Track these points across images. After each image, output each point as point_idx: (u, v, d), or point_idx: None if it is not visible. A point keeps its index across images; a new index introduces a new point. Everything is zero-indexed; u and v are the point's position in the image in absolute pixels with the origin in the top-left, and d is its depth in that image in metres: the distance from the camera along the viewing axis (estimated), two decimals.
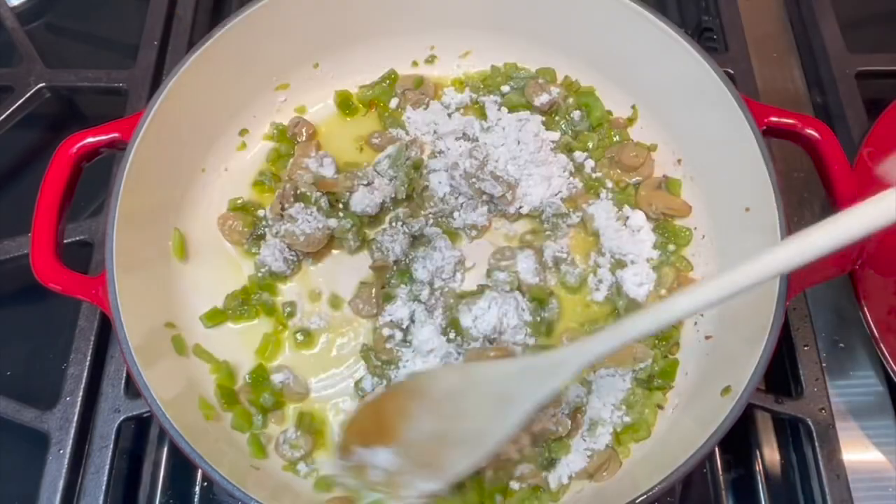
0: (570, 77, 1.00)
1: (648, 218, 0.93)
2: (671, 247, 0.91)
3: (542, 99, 0.97)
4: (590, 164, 0.96)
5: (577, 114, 0.98)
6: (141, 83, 1.04)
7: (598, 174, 0.96)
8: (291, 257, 0.90)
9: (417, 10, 0.99)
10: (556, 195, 0.93)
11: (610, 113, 0.99)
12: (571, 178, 0.95)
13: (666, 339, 0.86)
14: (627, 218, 0.92)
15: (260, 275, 0.90)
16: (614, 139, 0.97)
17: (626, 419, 0.82)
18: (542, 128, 0.96)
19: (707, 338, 0.86)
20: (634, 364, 0.84)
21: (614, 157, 0.96)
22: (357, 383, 0.85)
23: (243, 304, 0.89)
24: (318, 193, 0.90)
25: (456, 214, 0.92)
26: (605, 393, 0.83)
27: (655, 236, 0.92)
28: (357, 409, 0.78)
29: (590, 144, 0.97)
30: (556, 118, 0.99)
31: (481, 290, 0.87)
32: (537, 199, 0.92)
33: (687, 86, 0.89)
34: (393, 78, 1.01)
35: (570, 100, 0.99)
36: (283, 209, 0.90)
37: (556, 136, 0.97)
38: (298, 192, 0.91)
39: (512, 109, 0.99)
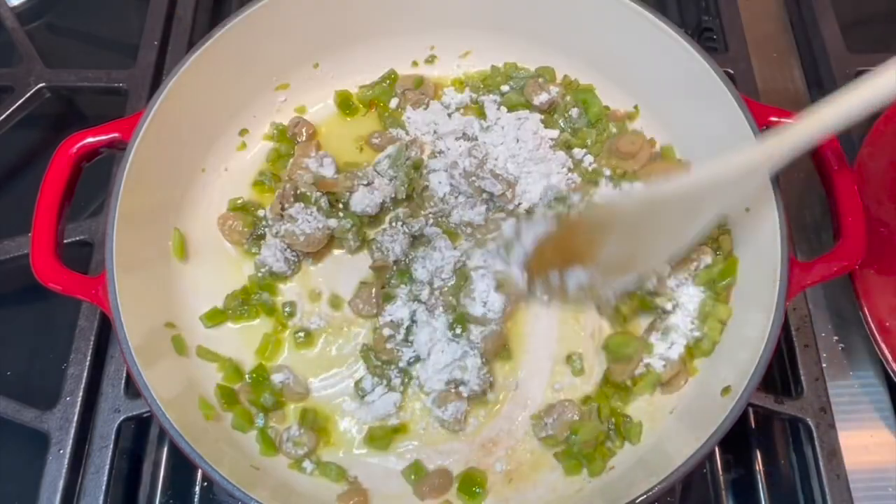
0: (570, 76, 1.00)
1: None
2: None
3: (541, 98, 0.97)
4: (588, 159, 0.96)
5: (575, 111, 0.98)
6: (141, 83, 1.04)
7: (596, 166, 0.95)
8: (292, 257, 0.90)
9: (417, 10, 0.99)
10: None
11: (607, 108, 0.99)
12: (570, 174, 0.95)
13: (720, 244, 0.87)
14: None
15: (260, 275, 0.90)
16: (612, 132, 0.97)
17: (696, 333, 0.84)
18: (541, 126, 0.97)
19: None
20: (690, 263, 0.86)
21: (611, 146, 0.95)
22: (357, 383, 0.85)
23: (243, 304, 0.89)
24: (318, 193, 0.90)
25: (454, 212, 0.92)
26: (683, 304, 0.86)
27: None
28: (538, 244, 0.83)
29: (588, 141, 0.97)
30: (555, 116, 0.99)
31: (465, 274, 0.87)
32: (536, 196, 0.92)
33: (687, 86, 0.89)
34: (393, 78, 1.01)
35: (568, 97, 0.99)
36: (283, 209, 0.90)
37: (554, 133, 0.97)
38: (298, 192, 0.91)
39: (511, 109, 0.99)
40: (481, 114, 0.99)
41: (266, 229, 0.92)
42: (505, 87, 1.01)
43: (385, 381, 0.84)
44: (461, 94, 1.01)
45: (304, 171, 0.93)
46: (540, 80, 0.99)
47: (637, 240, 0.80)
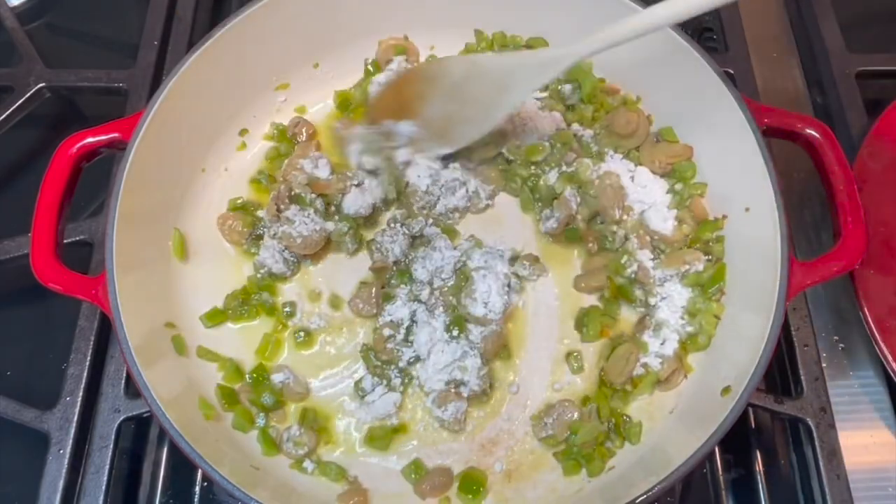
0: None
1: (654, 172, 0.93)
2: (679, 186, 0.92)
3: None
4: (588, 133, 0.96)
5: (567, 87, 0.97)
6: (141, 83, 1.04)
7: (598, 147, 0.95)
8: (290, 258, 0.90)
9: (417, 10, 0.99)
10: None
11: (602, 81, 0.98)
12: (566, 129, 0.95)
13: (711, 250, 0.88)
14: (633, 177, 0.93)
15: (259, 276, 0.90)
16: (610, 104, 0.97)
17: (689, 329, 0.85)
18: None
19: None
20: (682, 265, 0.87)
21: (609, 125, 0.95)
22: (357, 383, 0.85)
23: (243, 304, 0.89)
24: (313, 195, 0.90)
25: (438, 203, 0.92)
26: (669, 298, 0.87)
27: (665, 183, 0.93)
28: (381, 89, 0.94)
29: (587, 114, 0.96)
30: (548, 91, 0.98)
31: (465, 274, 0.87)
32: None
33: (687, 86, 0.89)
34: (375, 64, 1.00)
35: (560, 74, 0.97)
36: (279, 210, 0.89)
37: (541, 95, 0.97)
38: (293, 193, 0.90)
39: None
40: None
41: (264, 230, 0.91)
42: None
43: (385, 381, 0.84)
44: None
45: (299, 172, 0.93)
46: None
47: (455, 103, 0.87)
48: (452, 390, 0.83)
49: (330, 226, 0.90)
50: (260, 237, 0.91)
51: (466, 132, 0.90)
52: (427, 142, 0.92)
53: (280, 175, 0.95)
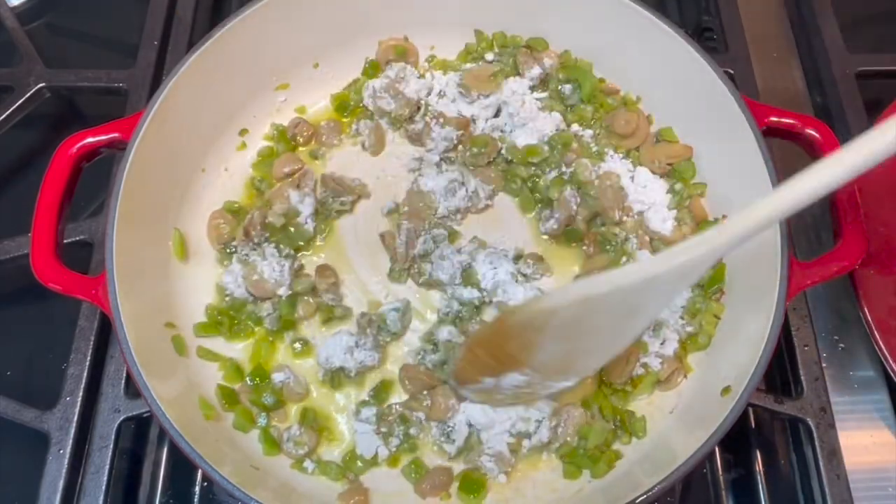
0: (569, 52, 0.99)
1: (654, 172, 0.93)
2: (678, 185, 0.92)
3: (533, 72, 0.97)
4: (588, 133, 0.96)
5: (567, 87, 0.97)
6: (141, 83, 1.04)
7: (597, 147, 0.95)
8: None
9: (417, 10, 0.99)
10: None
11: (602, 80, 0.98)
12: (566, 129, 0.96)
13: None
14: (632, 177, 0.93)
15: (227, 300, 0.88)
16: (610, 104, 0.97)
17: (689, 329, 0.85)
18: (528, 90, 0.97)
19: None
20: None
21: (609, 127, 0.95)
22: (359, 405, 0.83)
23: (233, 322, 0.87)
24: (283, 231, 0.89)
25: (440, 207, 0.91)
26: None
27: (665, 183, 0.93)
28: (469, 346, 0.79)
29: (587, 114, 0.96)
30: (548, 92, 0.98)
31: (472, 278, 0.87)
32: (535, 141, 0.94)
33: (687, 86, 0.89)
34: (373, 64, 1.00)
35: (561, 74, 0.98)
36: (246, 235, 0.88)
37: (541, 95, 0.98)
38: (266, 220, 0.89)
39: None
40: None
41: (236, 249, 0.89)
42: (489, 56, 1.00)
43: (382, 437, 0.81)
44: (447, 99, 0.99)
45: (282, 201, 0.90)
46: (532, 51, 0.98)
47: (574, 340, 0.72)
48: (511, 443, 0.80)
49: (284, 290, 0.86)
50: (232, 253, 0.90)
51: (591, 363, 0.75)
52: (542, 383, 0.77)
53: (266, 196, 0.93)
